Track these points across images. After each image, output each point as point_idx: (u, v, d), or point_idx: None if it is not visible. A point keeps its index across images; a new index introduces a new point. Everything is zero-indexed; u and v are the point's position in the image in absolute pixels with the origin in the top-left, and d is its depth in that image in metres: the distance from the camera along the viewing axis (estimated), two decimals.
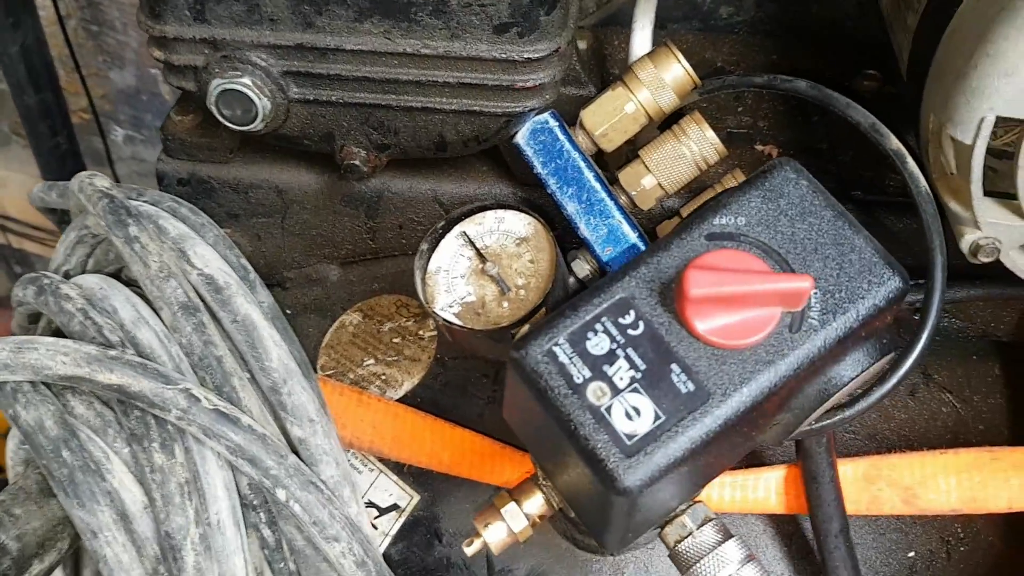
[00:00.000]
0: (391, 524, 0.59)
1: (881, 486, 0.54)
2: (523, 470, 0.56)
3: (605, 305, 0.39)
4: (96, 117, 1.29)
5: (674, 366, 0.38)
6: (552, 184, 0.59)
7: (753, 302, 0.37)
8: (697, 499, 0.45)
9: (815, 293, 0.39)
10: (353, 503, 0.53)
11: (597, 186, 0.59)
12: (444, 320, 0.49)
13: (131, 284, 0.58)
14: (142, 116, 1.41)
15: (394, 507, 0.59)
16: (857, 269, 0.40)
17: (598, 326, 0.39)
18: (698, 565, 0.44)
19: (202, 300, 0.54)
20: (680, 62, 0.57)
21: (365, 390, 0.62)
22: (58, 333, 0.60)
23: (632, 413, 0.37)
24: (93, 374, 0.47)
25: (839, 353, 0.40)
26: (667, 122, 0.60)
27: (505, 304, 0.49)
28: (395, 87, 0.57)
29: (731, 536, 0.44)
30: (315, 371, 0.63)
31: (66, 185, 0.67)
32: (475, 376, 0.62)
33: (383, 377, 0.63)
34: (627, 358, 0.38)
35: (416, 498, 0.59)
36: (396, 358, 0.64)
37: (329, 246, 0.68)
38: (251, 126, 0.57)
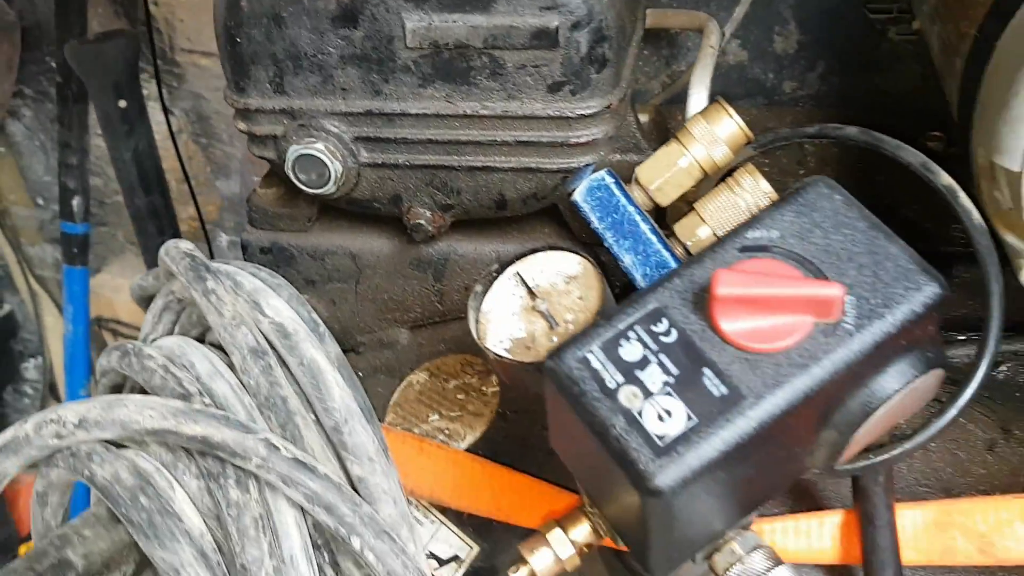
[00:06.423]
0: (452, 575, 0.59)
1: (954, 534, 0.51)
2: None
3: (638, 315, 0.40)
4: (202, 223, 1.37)
5: (706, 370, 0.38)
6: (609, 238, 0.61)
7: (783, 307, 0.37)
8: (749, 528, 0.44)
9: (850, 299, 0.39)
10: (411, 543, 0.54)
11: (652, 238, 0.60)
12: (495, 355, 0.50)
13: (215, 347, 0.62)
14: (245, 223, 1.50)
15: (454, 558, 0.59)
16: (893, 276, 0.40)
17: (631, 334, 0.40)
18: None
19: (271, 347, 0.57)
20: (732, 117, 0.59)
21: None
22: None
23: (664, 415, 0.37)
24: (179, 426, 0.49)
25: (878, 361, 0.39)
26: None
27: (554, 339, 0.50)
28: (457, 148, 0.60)
29: (781, 563, 0.43)
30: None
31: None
32: (536, 429, 0.63)
33: (447, 432, 0.64)
34: (660, 364, 0.39)
35: (476, 549, 0.59)
36: (459, 413, 0.65)
37: (399, 310, 0.71)
38: (324, 189, 0.61)
